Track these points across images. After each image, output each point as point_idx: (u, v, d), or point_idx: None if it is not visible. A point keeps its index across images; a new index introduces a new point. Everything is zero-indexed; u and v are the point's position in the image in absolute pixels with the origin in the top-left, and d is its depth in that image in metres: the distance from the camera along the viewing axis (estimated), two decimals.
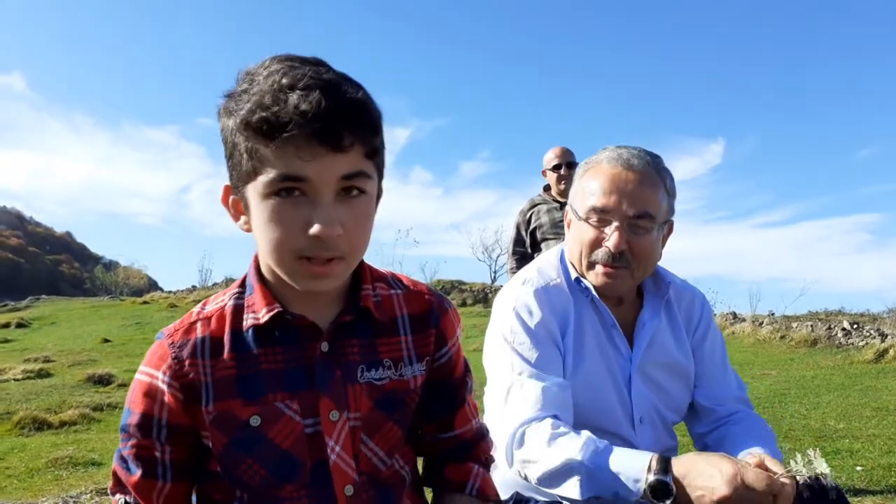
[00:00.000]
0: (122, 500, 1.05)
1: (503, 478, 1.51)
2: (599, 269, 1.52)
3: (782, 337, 12.90)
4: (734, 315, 15.83)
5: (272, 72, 0.90)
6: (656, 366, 1.58)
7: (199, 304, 1.10)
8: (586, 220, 1.52)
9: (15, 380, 10.24)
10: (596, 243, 1.51)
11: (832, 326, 12.48)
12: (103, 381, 9.96)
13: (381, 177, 1.02)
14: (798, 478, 1.17)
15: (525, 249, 4.19)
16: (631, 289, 1.58)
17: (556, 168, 3.96)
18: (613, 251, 1.48)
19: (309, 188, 0.91)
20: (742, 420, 1.56)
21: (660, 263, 1.64)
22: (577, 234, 1.55)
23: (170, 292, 30.02)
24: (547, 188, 4.12)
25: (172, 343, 1.04)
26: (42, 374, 10.78)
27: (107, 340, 15.72)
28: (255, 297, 1.05)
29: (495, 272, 29.57)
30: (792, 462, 1.20)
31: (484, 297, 20.89)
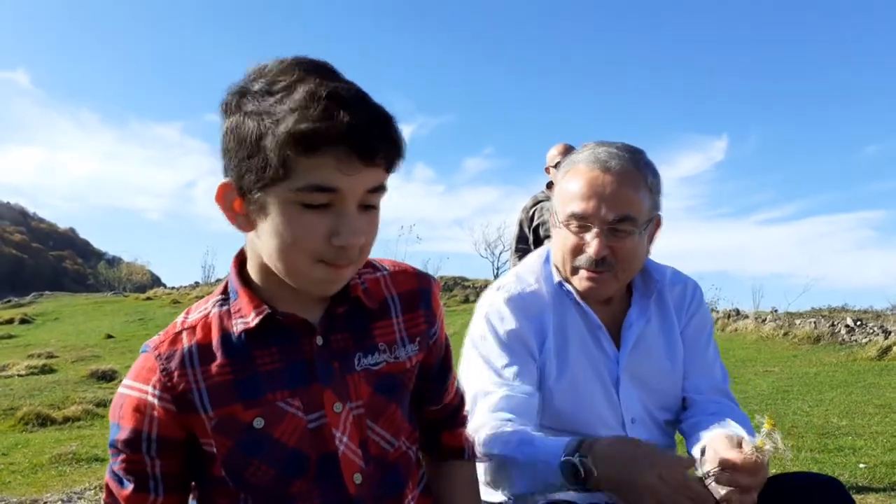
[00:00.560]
0: None
1: None
2: (583, 273, 1.49)
3: (785, 334, 12.87)
4: (737, 312, 15.81)
5: (306, 80, 0.90)
6: (645, 365, 1.55)
7: (182, 315, 1.09)
8: (566, 226, 1.48)
9: (18, 375, 10.28)
10: (577, 250, 1.48)
11: (835, 323, 12.45)
12: (106, 376, 9.99)
13: None
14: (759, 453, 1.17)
15: (528, 246, 4.19)
16: (617, 290, 1.55)
17: (559, 165, 3.95)
18: (595, 258, 1.45)
19: (338, 199, 0.93)
20: (719, 412, 1.50)
21: (660, 259, 1.63)
22: (559, 240, 1.52)
23: (173, 288, 30.10)
24: (550, 185, 4.11)
25: (159, 355, 1.02)
26: (45, 370, 10.82)
27: (110, 336, 15.76)
28: (240, 301, 1.04)
29: (498, 269, 29.55)
30: (747, 441, 1.21)
31: None
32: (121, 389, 1.04)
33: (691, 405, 1.57)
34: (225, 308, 1.06)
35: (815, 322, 12.79)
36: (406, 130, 0.97)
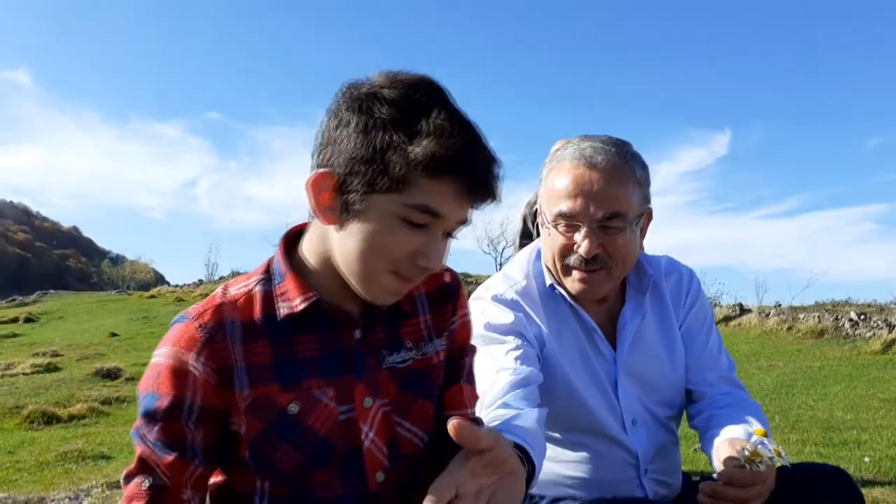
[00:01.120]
0: (147, 481, 0.99)
1: None
2: (575, 274, 1.45)
3: (789, 328, 12.85)
4: (740, 306, 15.77)
5: (441, 105, 0.94)
6: (643, 364, 1.52)
7: (220, 288, 1.07)
8: (555, 226, 1.44)
9: (24, 374, 10.30)
10: (567, 249, 1.44)
11: (839, 317, 12.42)
12: (111, 374, 10.01)
13: None
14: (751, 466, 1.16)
15: (531, 242, 4.16)
16: (612, 288, 1.51)
17: None
18: (586, 257, 1.41)
19: (436, 223, 0.96)
20: (732, 403, 1.50)
21: (662, 253, 1.62)
22: (548, 240, 1.48)
23: (176, 286, 30.12)
24: None
25: (202, 325, 1.01)
26: (50, 369, 10.85)
27: (114, 334, 15.78)
28: (287, 284, 1.04)
29: (501, 265, 29.55)
30: (735, 452, 1.20)
31: None
32: (156, 359, 1.01)
33: (700, 398, 1.55)
34: (268, 289, 1.05)
35: (818, 316, 12.76)
36: None
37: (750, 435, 1.23)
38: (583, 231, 1.40)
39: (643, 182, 1.45)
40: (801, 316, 13.20)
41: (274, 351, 1.02)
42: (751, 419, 1.39)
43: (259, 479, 1.04)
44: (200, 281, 29.75)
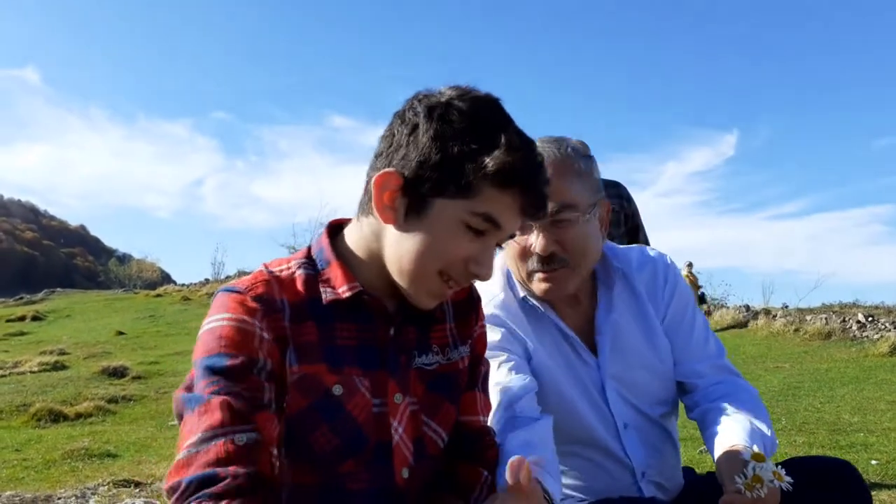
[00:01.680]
0: (242, 437, 0.93)
1: None
2: (538, 276, 1.43)
3: (796, 330, 12.81)
4: (747, 308, 15.73)
5: (511, 124, 1.02)
6: (627, 365, 1.49)
7: (261, 267, 1.08)
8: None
9: (31, 372, 10.35)
10: (525, 253, 1.43)
11: (846, 319, 12.38)
12: (118, 373, 10.04)
13: None
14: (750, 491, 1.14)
15: None
16: (580, 286, 1.48)
17: None
18: (543, 255, 1.39)
19: (492, 233, 1.02)
20: (724, 395, 1.45)
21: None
22: (508, 250, 1.47)
23: (183, 285, 30.20)
24: None
25: (257, 296, 1.01)
26: (57, 367, 10.88)
27: (121, 333, 15.84)
28: (332, 272, 1.06)
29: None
30: (737, 478, 1.16)
31: None
32: (215, 324, 0.99)
33: (693, 390, 1.52)
34: (311, 273, 1.07)
35: (826, 318, 12.71)
36: None
37: (747, 459, 1.19)
38: (535, 230, 1.39)
39: (587, 172, 1.44)
40: (809, 318, 13.15)
41: (320, 332, 1.03)
42: (753, 421, 1.36)
43: (287, 467, 1.02)
44: (207, 280, 29.80)
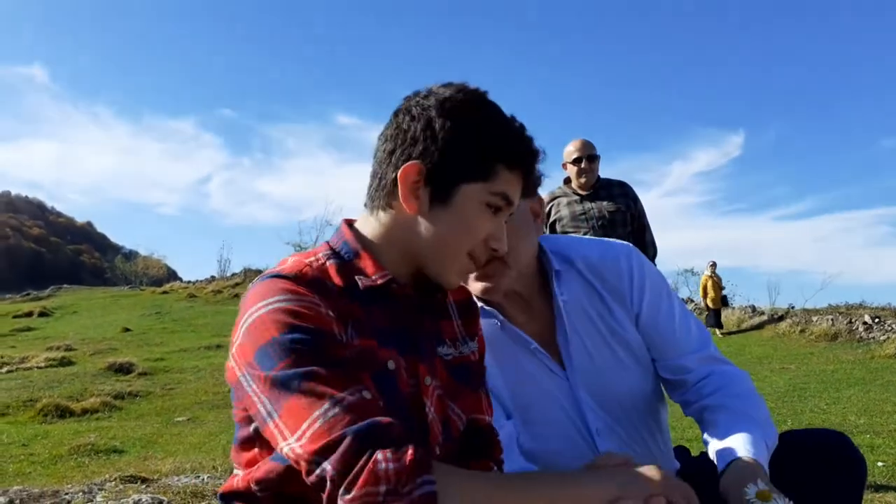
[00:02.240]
0: (365, 394, 0.92)
1: None
2: (471, 277, 1.34)
3: (802, 331, 12.78)
4: (753, 308, 15.69)
5: (509, 117, 1.13)
6: (596, 372, 1.41)
7: (290, 258, 1.09)
8: None
9: (38, 367, 10.42)
10: None
11: (853, 320, 12.33)
12: (124, 369, 10.09)
13: None
14: None
15: None
16: (517, 281, 1.38)
17: (576, 161, 3.91)
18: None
19: (505, 209, 1.12)
20: (717, 389, 1.38)
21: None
22: None
23: (189, 282, 30.30)
24: (567, 181, 4.09)
25: (309, 279, 1.02)
26: (64, 363, 10.95)
27: (127, 329, 15.91)
28: (362, 261, 1.09)
29: None
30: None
31: None
32: (275, 305, 0.96)
33: (683, 387, 1.44)
34: (340, 262, 1.09)
35: (832, 319, 12.67)
36: None
37: (752, 500, 1.16)
38: None
39: None
40: (815, 319, 13.11)
41: (364, 314, 1.05)
42: (751, 422, 1.29)
43: None
44: (213, 277, 29.90)
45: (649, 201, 4.23)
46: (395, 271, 1.10)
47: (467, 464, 1.20)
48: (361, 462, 0.83)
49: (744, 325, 14.35)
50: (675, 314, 1.45)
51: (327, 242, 1.14)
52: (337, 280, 1.06)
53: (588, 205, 3.88)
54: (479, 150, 1.07)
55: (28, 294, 29.24)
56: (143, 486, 3.57)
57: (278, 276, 1.02)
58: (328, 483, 0.84)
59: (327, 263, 1.08)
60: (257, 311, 0.97)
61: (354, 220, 1.18)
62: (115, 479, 3.74)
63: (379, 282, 1.07)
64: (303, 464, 0.87)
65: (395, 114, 1.12)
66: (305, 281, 1.02)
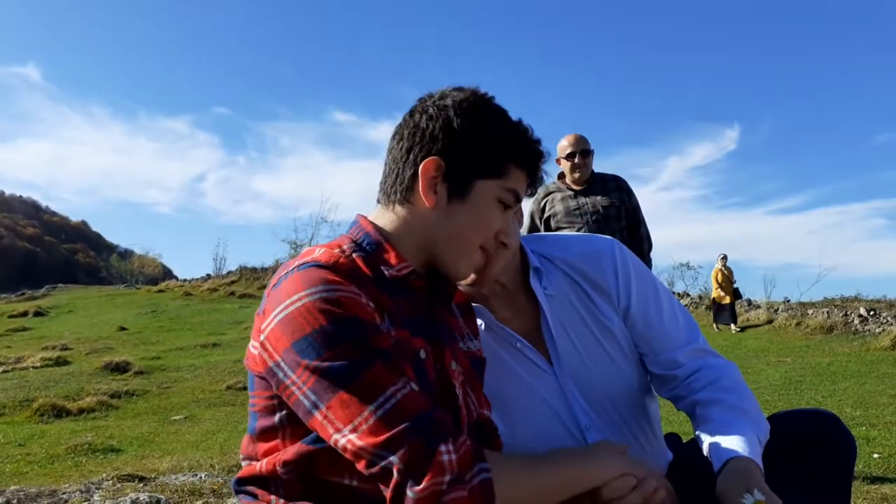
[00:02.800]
0: (415, 386, 0.96)
1: None
2: None
3: (798, 324, 12.82)
4: (749, 302, 15.73)
5: (518, 122, 1.19)
6: (583, 366, 1.39)
7: (316, 249, 1.08)
8: None
9: (33, 367, 10.38)
10: None
11: (848, 313, 12.38)
12: (120, 368, 10.06)
13: None
14: None
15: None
16: (503, 272, 1.36)
17: (570, 156, 3.90)
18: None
19: (514, 205, 1.19)
20: (707, 384, 1.36)
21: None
22: None
23: (184, 280, 30.24)
24: (561, 176, 4.08)
25: (345, 269, 1.02)
26: (60, 362, 10.92)
27: (123, 328, 15.87)
28: (385, 252, 1.12)
29: None
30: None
31: None
32: (316, 296, 0.97)
33: (673, 382, 1.41)
34: (364, 253, 1.10)
35: (827, 312, 12.71)
36: None
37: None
38: None
39: None
40: (810, 312, 13.16)
41: (394, 303, 1.07)
42: (744, 417, 1.28)
43: None
44: (208, 275, 29.85)
45: (646, 196, 4.24)
46: (412, 261, 1.14)
47: None
48: (427, 455, 0.90)
49: (740, 319, 14.36)
50: (663, 307, 1.43)
51: (347, 235, 1.15)
52: (366, 270, 1.07)
53: (582, 200, 3.87)
54: (495, 149, 1.14)
55: (23, 294, 29.15)
56: (141, 485, 3.57)
57: (314, 265, 1.01)
58: (395, 475, 0.90)
59: (353, 254, 1.08)
60: (299, 300, 0.97)
61: (367, 216, 1.19)
62: (113, 478, 3.73)
63: (403, 272, 1.10)
64: (364, 455, 0.92)
65: (411, 113, 1.17)
66: (343, 271, 1.01)
